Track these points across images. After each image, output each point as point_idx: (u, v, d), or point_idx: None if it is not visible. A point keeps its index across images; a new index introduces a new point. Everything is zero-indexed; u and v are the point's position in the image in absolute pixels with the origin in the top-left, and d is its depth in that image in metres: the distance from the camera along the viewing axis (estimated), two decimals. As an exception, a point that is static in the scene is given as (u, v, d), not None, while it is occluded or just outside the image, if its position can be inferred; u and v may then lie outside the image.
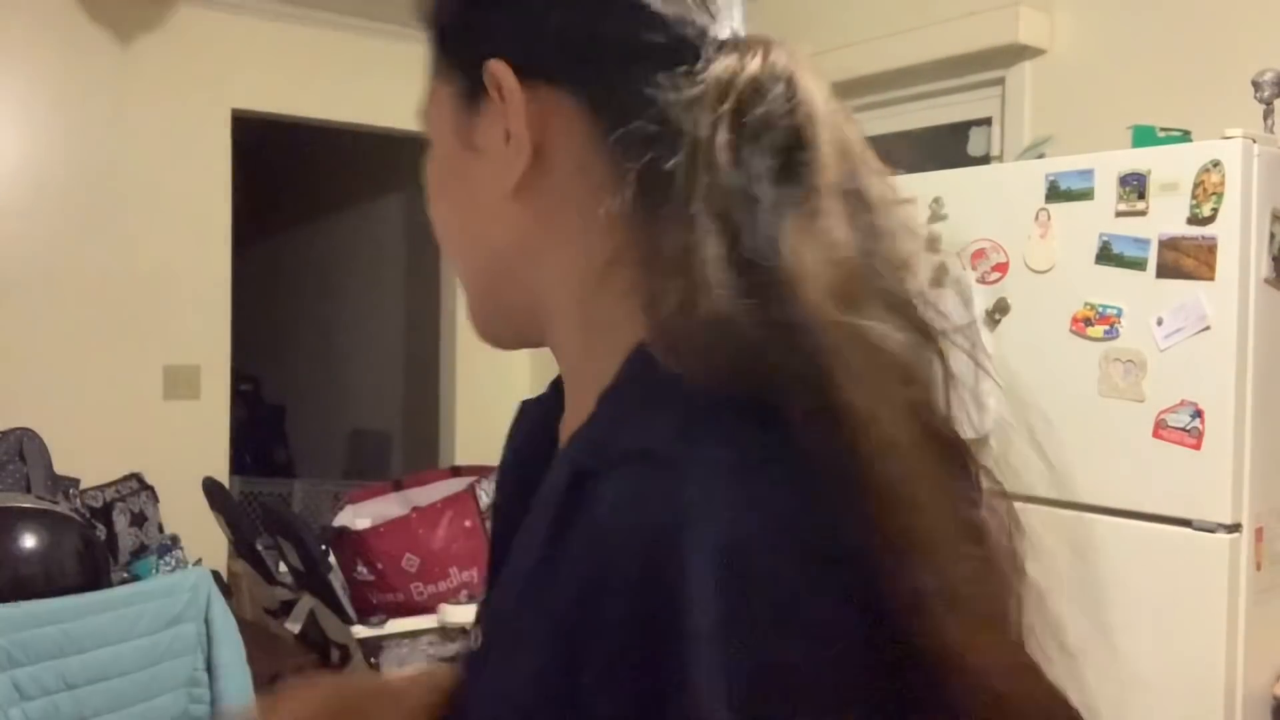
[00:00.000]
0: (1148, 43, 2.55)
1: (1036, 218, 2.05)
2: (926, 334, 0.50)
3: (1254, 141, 1.81)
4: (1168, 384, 1.86)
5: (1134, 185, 1.90)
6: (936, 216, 2.21)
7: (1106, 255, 1.94)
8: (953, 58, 2.87)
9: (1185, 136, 2.02)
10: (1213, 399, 1.81)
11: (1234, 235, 1.79)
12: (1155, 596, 1.88)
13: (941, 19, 2.89)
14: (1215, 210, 1.80)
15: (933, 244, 2.21)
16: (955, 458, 0.50)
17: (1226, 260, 1.80)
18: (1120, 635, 1.92)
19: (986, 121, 2.91)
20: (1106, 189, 1.94)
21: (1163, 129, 2.04)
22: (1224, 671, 1.81)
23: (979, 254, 2.14)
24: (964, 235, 2.17)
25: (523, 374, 4.52)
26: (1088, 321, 1.96)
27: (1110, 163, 1.95)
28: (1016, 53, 2.78)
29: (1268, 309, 1.84)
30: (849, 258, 0.50)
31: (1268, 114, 2.06)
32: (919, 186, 2.26)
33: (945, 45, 2.87)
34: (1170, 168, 1.86)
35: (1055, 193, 2.02)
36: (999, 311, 2.10)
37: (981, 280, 2.13)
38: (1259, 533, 1.85)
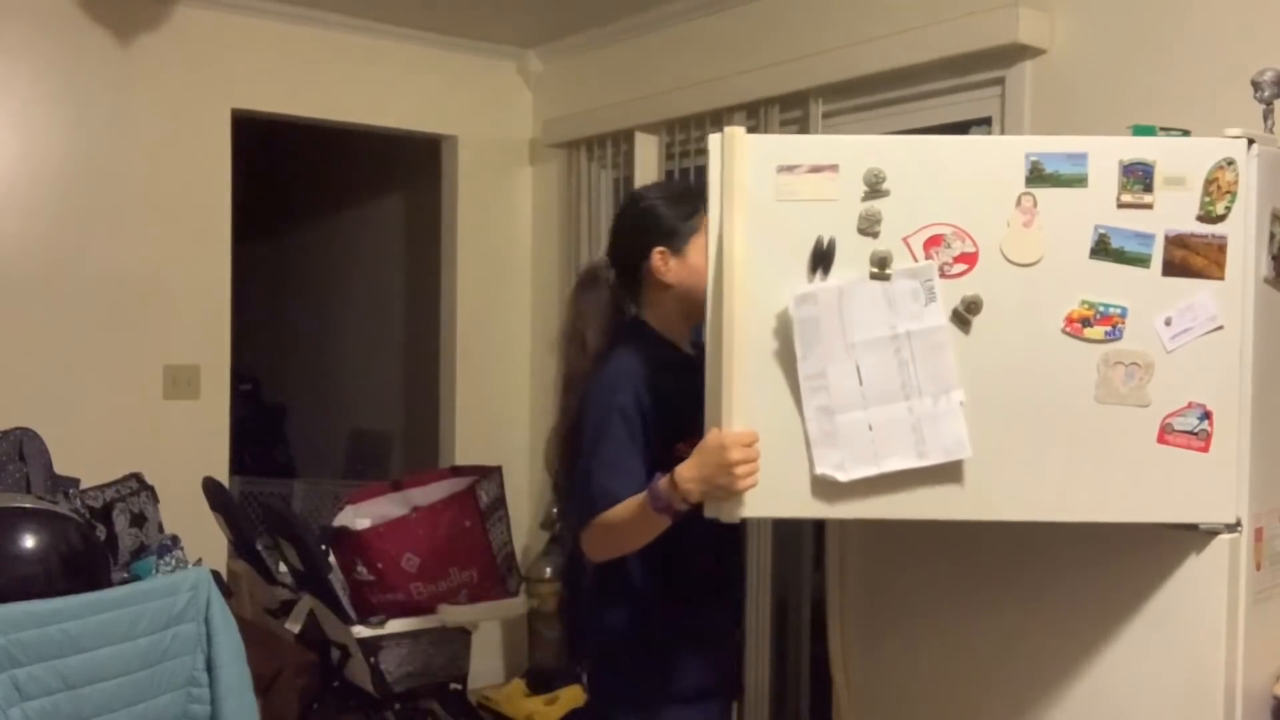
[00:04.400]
0: (1148, 43, 2.55)
1: (1019, 203, 1.80)
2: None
3: (1254, 141, 1.81)
4: (1173, 387, 1.79)
5: (1139, 176, 1.81)
6: (876, 193, 1.80)
7: (1104, 249, 1.81)
8: (953, 58, 2.87)
9: (1185, 136, 2.01)
10: (1218, 400, 1.79)
11: (1237, 234, 1.79)
12: (1154, 596, 1.88)
13: (941, 19, 2.89)
14: (1229, 209, 1.78)
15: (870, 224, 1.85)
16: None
17: (1230, 260, 1.79)
18: (1119, 635, 1.92)
19: (986, 121, 2.91)
20: (1102, 177, 1.81)
21: (1162, 128, 2.03)
22: (1224, 671, 1.81)
23: (935, 240, 1.79)
24: (911, 218, 1.79)
25: (522, 374, 4.52)
26: (1085, 322, 1.81)
27: (1106, 149, 1.81)
28: (1016, 53, 2.78)
29: (1267, 309, 1.84)
30: None
31: (1268, 114, 2.05)
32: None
33: (945, 45, 2.87)
34: (1175, 162, 1.80)
35: (1038, 176, 1.81)
36: (969, 310, 1.79)
37: (943, 273, 1.78)
38: (1259, 533, 1.85)
